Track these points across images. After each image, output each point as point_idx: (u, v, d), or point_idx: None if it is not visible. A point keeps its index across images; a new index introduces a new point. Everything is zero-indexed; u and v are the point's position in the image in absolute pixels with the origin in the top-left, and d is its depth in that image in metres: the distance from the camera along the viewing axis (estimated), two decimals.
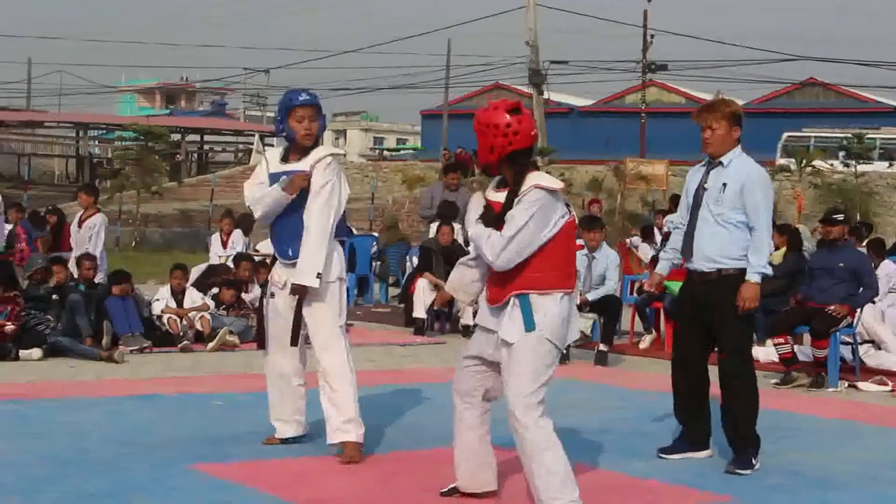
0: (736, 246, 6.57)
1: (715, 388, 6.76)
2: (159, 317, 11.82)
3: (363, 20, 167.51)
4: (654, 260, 13.45)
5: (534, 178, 5.27)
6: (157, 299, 12.02)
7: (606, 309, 11.55)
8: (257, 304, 12.46)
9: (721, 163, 6.66)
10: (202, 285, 13.01)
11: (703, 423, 6.84)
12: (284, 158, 6.64)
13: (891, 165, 34.96)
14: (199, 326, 11.83)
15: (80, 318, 11.01)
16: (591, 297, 11.48)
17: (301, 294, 6.45)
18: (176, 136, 45.04)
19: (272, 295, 6.73)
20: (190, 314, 11.87)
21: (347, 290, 6.83)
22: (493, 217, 5.30)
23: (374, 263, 17.74)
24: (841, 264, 10.08)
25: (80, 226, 13.71)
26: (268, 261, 13.10)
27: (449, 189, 15.08)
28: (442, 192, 15.15)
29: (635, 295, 14.11)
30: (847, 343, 10.50)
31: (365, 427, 6.53)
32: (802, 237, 14.44)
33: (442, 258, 13.28)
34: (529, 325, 5.23)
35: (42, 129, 54.06)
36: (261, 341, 6.97)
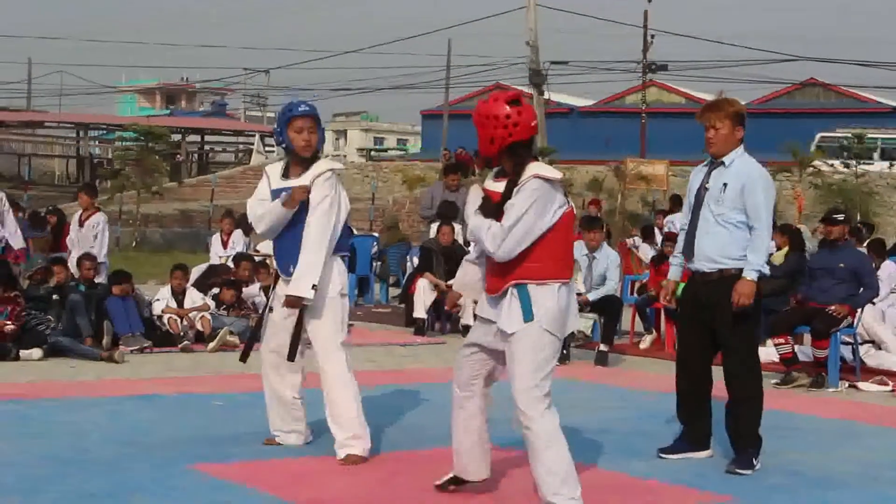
0: (737, 246, 6.57)
1: (719, 388, 6.76)
2: (160, 317, 11.83)
3: (363, 20, 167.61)
4: (655, 260, 13.47)
5: (533, 168, 5.28)
6: (158, 299, 12.03)
7: (607, 309, 11.55)
8: (257, 300, 12.55)
9: (723, 163, 6.66)
10: (203, 285, 13.01)
11: (704, 424, 6.84)
12: (285, 174, 6.64)
13: (891, 166, 34.94)
14: (199, 326, 11.83)
15: (81, 319, 11.01)
16: (591, 297, 11.48)
17: (295, 306, 6.44)
18: (176, 137, 45.05)
19: (271, 310, 6.74)
20: (190, 314, 11.87)
21: (348, 292, 6.83)
22: (493, 207, 5.31)
23: (374, 264, 17.74)
24: (841, 264, 10.09)
25: (81, 225, 13.73)
26: (268, 261, 13.16)
27: (449, 189, 15.09)
28: (442, 193, 15.15)
29: (635, 295, 14.12)
30: (847, 343, 10.51)
31: (367, 425, 6.53)
32: (804, 237, 14.46)
33: (442, 258, 13.28)
34: (528, 315, 5.24)
35: (42, 129, 54.06)
36: (246, 352, 6.88)
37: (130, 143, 37.26)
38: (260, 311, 6.86)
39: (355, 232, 20.09)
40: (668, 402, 7.24)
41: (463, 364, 5.61)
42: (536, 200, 5.22)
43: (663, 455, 6.79)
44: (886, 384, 10.00)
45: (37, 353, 10.50)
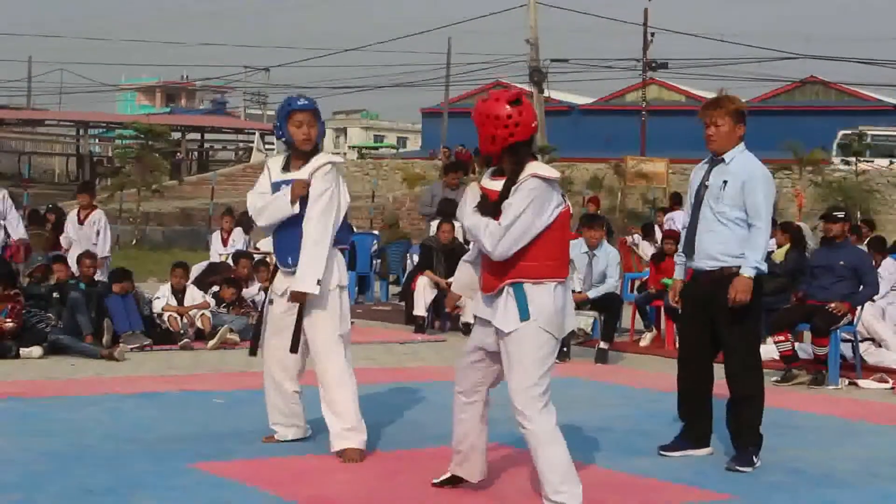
0: (737, 244, 6.57)
1: (720, 386, 6.76)
2: (160, 315, 11.83)
3: (364, 18, 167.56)
4: (655, 258, 13.48)
5: (531, 168, 5.29)
6: (158, 297, 12.03)
7: (607, 307, 11.55)
8: (257, 299, 12.55)
9: (723, 160, 6.67)
10: (203, 283, 13.01)
11: (705, 421, 6.84)
12: (286, 167, 6.65)
13: (891, 164, 34.93)
14: (199, 324, 11.83)
15: (81, 316, 11.01)
16: (591, 294, 11.48)
17: (300, 301, 6.44)
18: (176, 135, 45.06)
19: (271, 302, 6.74)
20: (190, 312, 11.87)
21: (348, 289, 6.83)
22: (490, 206, 5.31)
23: (374, 261, 17.74)
24: (841, 262, 10.09)
25: (80, 223, 13.78)
26: (268, 259, 13.16)
27: (450, 187, 15.09)
28: (443, 191, 15.15)
29: (636, 293, 14.12)
30: (847, 341, 10.51)
31: (367, 428, 6.53)
32: (804, 235, 14.47)
33: (443, 256, 13.28)
34: (524, 314, 5.25)
35: (42, 127, 54.07)
36: (254, 345, 6.88)
37: (130, 142, 37.27)
38: (260, 308, 6.84)
39: (355, 230, 20.11)
40: (668, 399, 7.24)
41: (468, 371, 5.60)
42: (534, 200, 5.23)
43: (664, 453, 6.80)
44: (886, 382, 10.01)
45: (37, 350, 10.50)
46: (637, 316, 13.04)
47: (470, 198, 5.45)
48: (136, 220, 29.35)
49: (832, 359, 10.02)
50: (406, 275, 15.93)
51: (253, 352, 6.85)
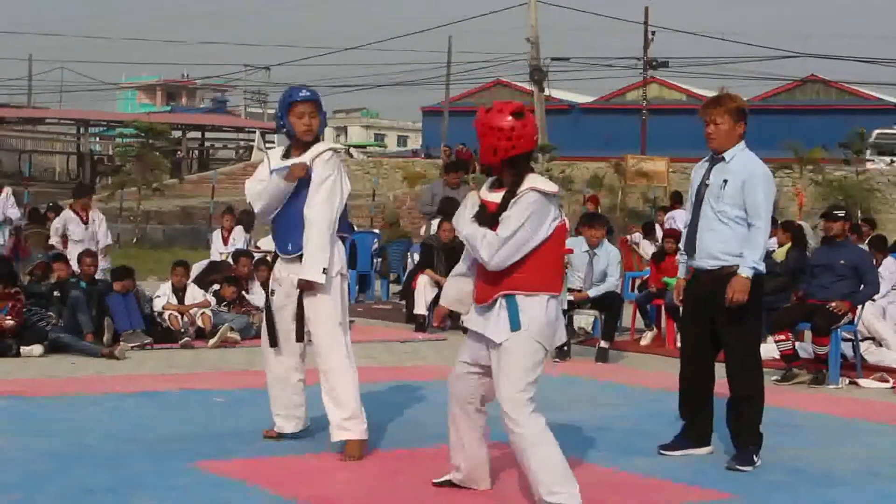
0: (738, 242, 6.57)
1: (721, 385, 6.76)
2: (160, 313, 11.83)
3: (364, 17, 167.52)
4: (655, 257, 13.47)
5: (531, 181, 5.32)
6: (159, 296, 12.02)
7: (607, 305, 11.54)
8: (258, 302, 12.53)
9: (723, 158, 6.66)
10: (203, 282, 13.01)
11: (706, 421, 6.84)
12: (286, 156, 6.66)
13: (892, 163, 34.89)
14: (200, 323, 11.83)
15: (82, 315, 11.01)
16: (592, 293, 11.47)
17: (307, 289, 6.44)
18: (177, 133, 45.03)
19: (272, 292, 6.74)
20: (191, 311, 11.87)
21: (349, 287, 6.82)
22: (488, 217, 5.32)
23: (375, 260, 17.74)
24: (842, 261, 10.08)
25: (85, 222, 13.86)
26: (268, 258, 13.14)
27: (450, 186, 15.08)
28: (443, 190, 15.15)
29: (636, 292, 14.12)
30: (848, 340, 10.50)
31: (367, 427, 6.53)
32: (805, 234, 14.47)
33: (443, 255, 13.28)
34: (515, 325, 5.27)
35: (43, 125, 54.04)
36: (273, 336, 6.76)
37: (131, 140, 37.25)
38: (266, 300, 6.78)
39: (356, 228, 20.09)
40: (668, 399, 7.23)
41: (460, 382, 5.60)
42: (532, 214, 5.26)
43: (664, 452, 6.80)
44: (887, 381, 10.00)
45: (37, 349, 10.51)
46: (638, 315, 13.04)
47: (468, 207, 5.46)
48: (137, 218, 29.33)
49: (833, 358, 10.01)
50: (406, 273, 15.92)
51: (273, 342, 6.74)
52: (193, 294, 12.15)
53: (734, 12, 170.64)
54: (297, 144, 6.61)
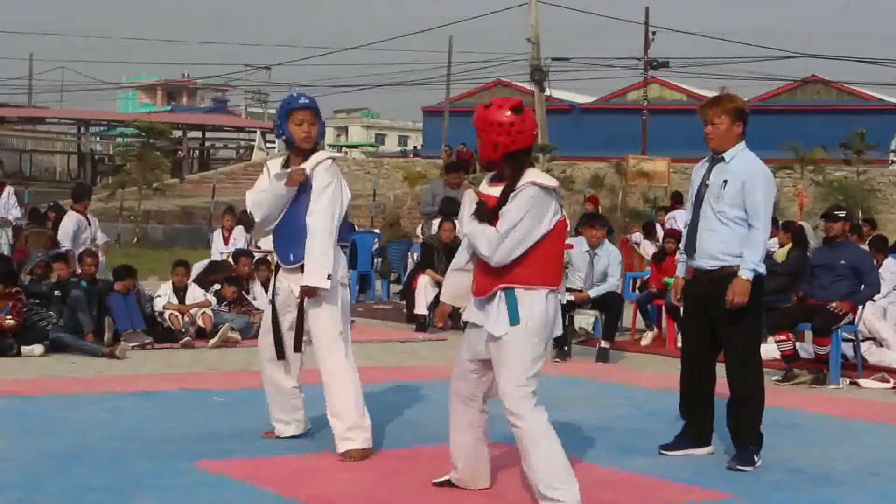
0: (738, 243, 6.57)
1: (721, 385, 6.76)
2: (161, 313, 11.83)
3: (365, 17, 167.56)
4: (656, 257, 13.47)
5: (530, 175, 5.33)
6: (159, 295, 12.02)
7: (608, 306, 11.54)
8: (261, 303, 12.52)
9: (723, 159, 6.66)
10: (204, 282, 13.01)
11: (706, 421, 6.84)
12: (285, 166, 6.66)
13: (892, 163, 34.89)
14: (200, 323, 11.83)
15: (82, 314, 11.01)
16: (592, 293, 11.47)
17: (311, 296, 6.44)
18: (177, 133, 45.02)
19: (271, 302, 6.73)
20: (191, 310, 11.87)
21: (350, 289, 6.82)
22: (488, 212, 5.33)
23: (375, 260, 17.74)
24: (842, 261, 10.09)
25: (88, 224, 13.91)
26: (269, 257, 13.15)
27: (451, 186, 15.08)
28: (443, 190, 15.15)
29: (637, 292, 14.11)
30: (848, 340, 10.50)
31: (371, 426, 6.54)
32: (806, 234, 14.46)
33: (444, 255, 13.27)
34: (514, 318, 5.28)
35: (43, 125, 54.06)
36: (280, 349, 6.70)
37: (131, 140, 37.24)
38: (272, 310, 6.75)
39: (357, 228, 20.10)
40: (668, 398, 7.23)
41: (462, 380, 5.61)
42: (532, 208, 5.27)
43: (664, 452, 6.80)
44: (887, 381, 10.00)
45: (38, 349, 10.51)
46: (638, 315, 13.04)
47: (467, 204, 5.47)
48: (137, 218, 29.33)
49: (833, 358, 10.01)
50: (407, 273, 15.92)
51: (281, 355, 6.71)
52: (194, 294, 12.15)
53: (735, 12, 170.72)
54: (296, 153, 6.62)
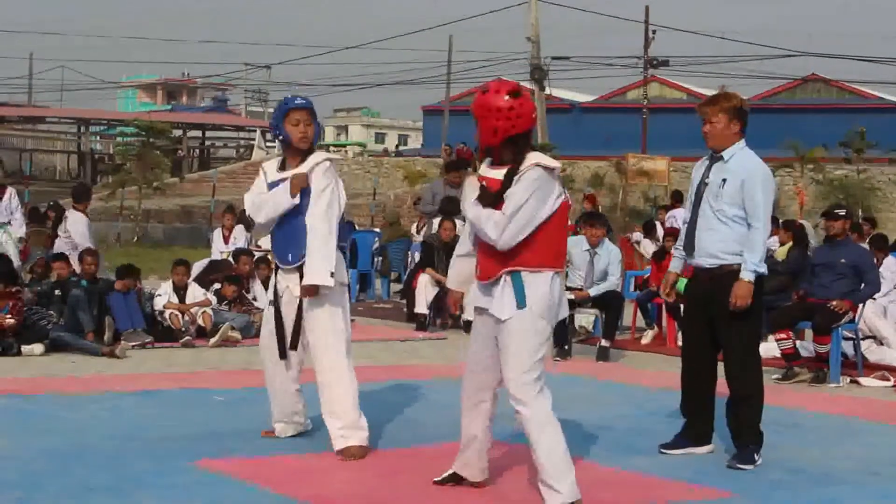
0: (737, 241, 6.56)
1: (722, 385, 6.76)
2: (161, 312, 11.82)
3: (364, 16, 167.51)
4: (656, 256, 13.47)
5: (533, 157, 5.33)
6: (159, 295, 12.02)
7: (608, 304, 11.54)
8: (261, 303, 12.52)
9: (722, 157, 6.66)
10: (204, 281, 13.01)
11: (707, 420, 6.83)
12: (282, 168, 6.66)
13: (892, 162, 34.87)
14: (200, 322, 11.83)
15: (82, 314, 11.00)
16: (592, 292, 11.47)
17: (312, 295, 6.44)
18: (177, 132, 45.02)
19: (271, 303, 6.73)
20: (192, 310, 11.87)
21: (349, 287, 6.82)
22: (491, 196, 5.32)
23: (375, 259, 17.74)
24: (843, 260, 10.08)
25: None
26: (269, 256, 13.14)
27: (451, 185, 15.07)
28: (443, 189, 15.14)
29: (637, 290, 14.11)
30: (849, 339, 10.50)
31: (367, 426, 6.53)
32: (807, 233, 14.46)
33: (444, 254, 13.27)
34: (522, 301, 5.29)
35: (44, 124, 54.08)
36: (283, 349, 6.69)
37: (131, 139, 37.25)
38: (275, 310, 6.74)
39: (357, 227, 20.09)
40: (668, 397, 7.23)
41: (473, 376, 5.61)
42: (537, 189, 5.27)
43: (665, 451, 6.79)
44: (888, 380, 10.00)
45: (38, 348, 10.51)
46: (638, 314, 13.04)
47: (469, 190, 5.46)
48: (137, 217, 29.33)
49: (833, 357, 10.01)
50: (407, 272, 15.93)
51: (283, 355, 6.69)
52: (194, 293, 12.15)
53: (735, 11, 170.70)
54: (293, 154, 6.62)
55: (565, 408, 7.54)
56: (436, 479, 5.81)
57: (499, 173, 5.37)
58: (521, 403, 5.28)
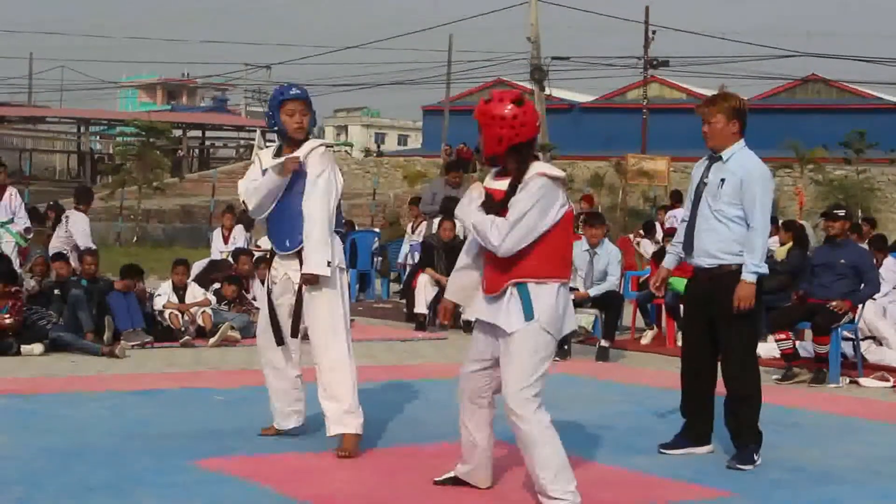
0: (735, 241, 6.56)
1: (721, 384, 6.76)
2: (161, 312, 11.83)
3: (364, 16, 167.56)
4: (656, 256, 13.47)
5: (537, 167, 5.32)
6: (159, 294, 12.02)
7: (608, 304, 11.55)
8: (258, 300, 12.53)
9: (721, 157, 6.66)
10: (204, 280, 13.02)
11: (706, 420, 6.83)
12: (277, 155, 6.67)
13: (893, 162, 34.86)
14: (200, 322, 11.83)
15: (82, 313, 11.00)
16: (592, 292, 11.48)
17: (312, 283, 6.45)
18: (177, 132, 45.04)
19: (270, 290, 6.74)
20: (192, 309, 11.87)
21: (350, 285, 6.82)
22: (495, 205, 5.31)
23: (375, 259, 17.74)
24: (842, 260, 10.09)
25: None
26: (269, 256, 13.15)
27: (451, 185, 15.09)
28: (444, 189, 15.16)
29: (637, 290, 14.12)
30: (848, 339, 10.50)
31: (365, 419, 6.52)
32: (807, 233, 14.46)
33: (444, 254, 13.28)
34: (529, 314, 5.25)
35: (44, 124, 54.07)
36: (278, 335, 6.77)
37: (131, 139, 37.27)
38: (268, 300, 6.77)
39: (357, 227, 20.09)
40: (668, 397, 7.23)
41: (470, 378, 5.58)
42: (541, 198, 5.25)
43: (665, 451, 6.79)
44: (887, 380, 10.00)
45: (38, 348, 10.51)
46: (638, 314, 13.04)
47: (474, 197, 5.45)
48: (137, 217, 29.35)
49: (833, 357, 10.01)
50: (407, 272, 15.93)
51: (280, 341, 6.74)
52: (194, 293, 12.15)
53: (735, 11, 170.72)
54: (289, 143, 6.63)
55: (565, 408, 7.56)
56: (436, 480, 5.81)
57: (503, 184, 5.36)
58: (519, 418, 5.24)
